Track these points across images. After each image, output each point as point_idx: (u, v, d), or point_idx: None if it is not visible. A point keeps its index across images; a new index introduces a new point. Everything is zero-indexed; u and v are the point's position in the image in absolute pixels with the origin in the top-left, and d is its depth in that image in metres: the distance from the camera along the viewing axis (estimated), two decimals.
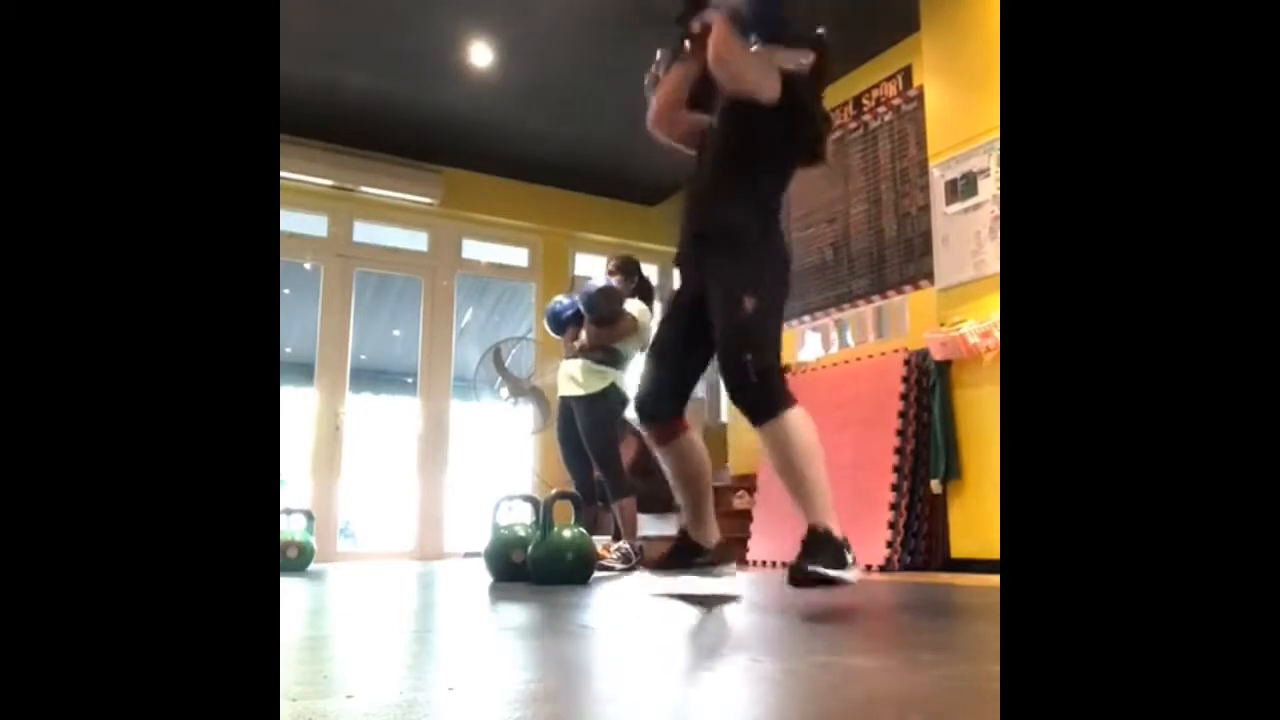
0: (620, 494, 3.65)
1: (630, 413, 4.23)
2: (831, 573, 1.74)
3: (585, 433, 3.66)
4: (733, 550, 2.39)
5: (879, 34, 4.61)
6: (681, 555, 2.34)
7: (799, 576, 1.73)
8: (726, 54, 2.10)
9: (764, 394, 1.96)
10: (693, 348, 2.19)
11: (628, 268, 3.82)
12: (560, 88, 5.09)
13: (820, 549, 1.83)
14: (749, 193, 2.16)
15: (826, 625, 1.53)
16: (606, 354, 3.67)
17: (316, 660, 1.18)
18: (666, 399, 2.23)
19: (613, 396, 3.67)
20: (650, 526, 4.93)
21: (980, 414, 3.67)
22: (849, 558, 1.87)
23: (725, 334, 2.01)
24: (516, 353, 5.06)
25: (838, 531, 1.89)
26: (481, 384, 4.90)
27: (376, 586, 2.87)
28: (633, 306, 3.70)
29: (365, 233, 6.00)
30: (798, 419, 1.96)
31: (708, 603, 2.01)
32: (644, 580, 2.33)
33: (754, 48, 2.20)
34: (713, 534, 2.34)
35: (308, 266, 5.84)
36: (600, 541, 3.56)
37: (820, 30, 2.27)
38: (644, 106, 2.46)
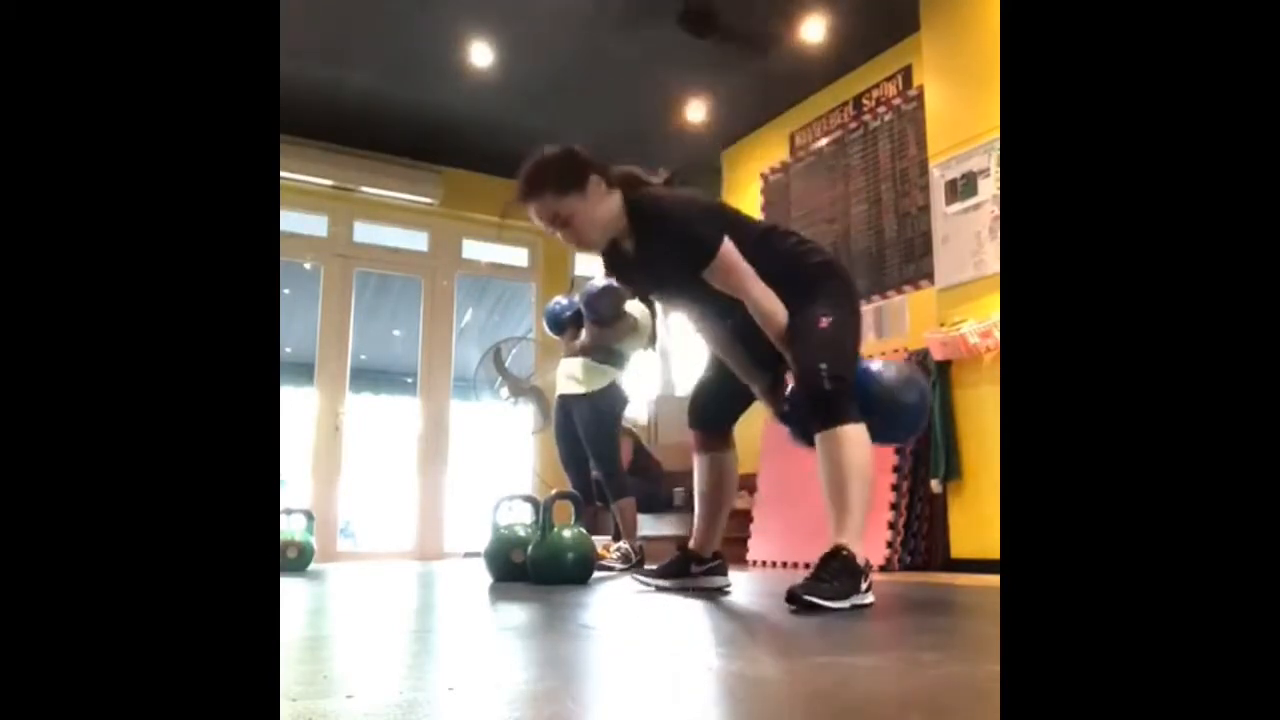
0: (619, 494, 3.64)
1: (630, 411, 4.24)
2: (831, 604, 1.72)
3: (585, 432, 3.65)
4: (726, 564, 2.41)
5: (879, 34, 4.61)
6: (679, 565, 2.36)
7: (795, 600, 1.71)
8: (742, 286, 2.02)
9: (832, 402, 1.95)
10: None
11: None
12: (560, 88, 5.09)
13: (835, 573, 1.79)
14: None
15: (826, 625, 1.53)
16: (607, 354, 3.66)
17: (316, 660, 1.18)
18: (724, 407, 2.29)
19: (614, 395, 3.66)
20: (650, 526, 4.93)
21: (980, 414, 3.67)
22: (864, 585, 1.84)
23: (804, 349, 2.01)
24: (516, 353, 5.06)
25: (861, 558, 1.86)
26: (481, 384, 4.90)
27: (376, 586, 2.87)
28: (633, 308, 3.69)
29: (365, 233, 6.00)
30: (856, 435, 1.94)
31: (707, 602, 2.01)
32: (635, 587, 2.34)
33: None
34: (714, 546, 2.36)
35: (308, 266, 5.84)
36: (600, 541, 3.56)
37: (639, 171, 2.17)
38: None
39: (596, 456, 3.63)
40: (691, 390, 2.39)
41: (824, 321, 2.00)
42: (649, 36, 4.53)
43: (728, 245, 1.98)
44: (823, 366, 1.94)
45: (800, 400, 2.02)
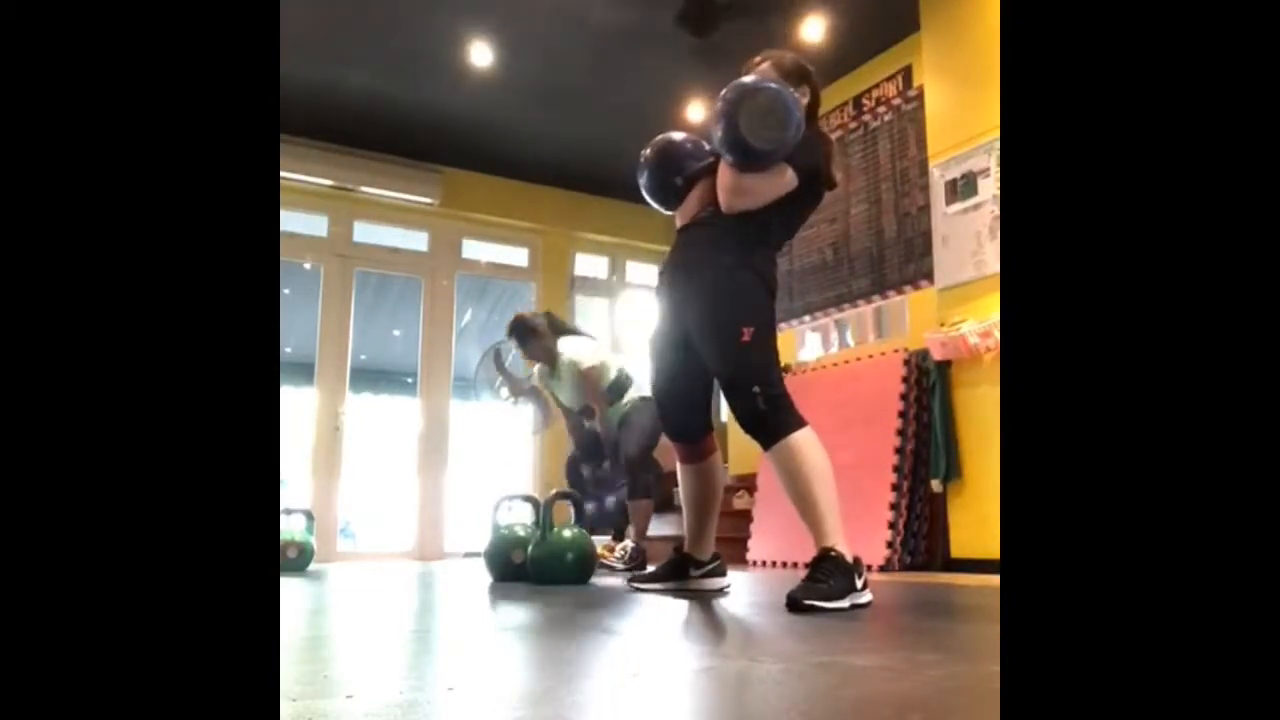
0: (638, 494, 3.64)
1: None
2: (829, 605, 1.73)
3: (625, 438, 3.67)
4: (724, 565, 2.41)
5: (879, 34, 4.61)
6: (677, 568, 2.37)
7: (797, 607, 1.72)
8: (738, 201, 2.04)
9: (774, 419, 1.94)
10: (694, 367, 2.16)
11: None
12: (560, 88, 5.09)
13: (828, 573, 1.80)
14: (758, 240, 2.12)
15: (826, 625, 1.53)
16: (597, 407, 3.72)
17: (316, 660, 1.18)
18: (690, 417, 2.26)
19: (637, 409, 3.67)
20: (649, 526, 4.92)
21: (980, 414, 3.67)
22: (859, 581, 1.84)
23: (728, 369, 1.99)
24: (517, 353, 5.05)
25: (848, 553, 1.87)
26: (481, 384, 4.89)
27: (376, 586, 2.87)
28: (571, 350, 3.75)
29: (365, 233, 6.00)
30: (807, 441, 1.94)
31: (707, 602, 2.01)
32: (631, 592, 2.34)
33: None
34: (709, 548, 2.36)
35: (308, 266, 5.84)
36: (600, 542, 3.56)
37: (806, 65, 2.18)
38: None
39: (631, 452, 3.61)
40: (654, 404, 2.37)
41: (746, 334, 1.97)
42: (648, 36, 4.53)
43: None
44: (755, 390, 1.94)
45: (741, 423, 2.01)
